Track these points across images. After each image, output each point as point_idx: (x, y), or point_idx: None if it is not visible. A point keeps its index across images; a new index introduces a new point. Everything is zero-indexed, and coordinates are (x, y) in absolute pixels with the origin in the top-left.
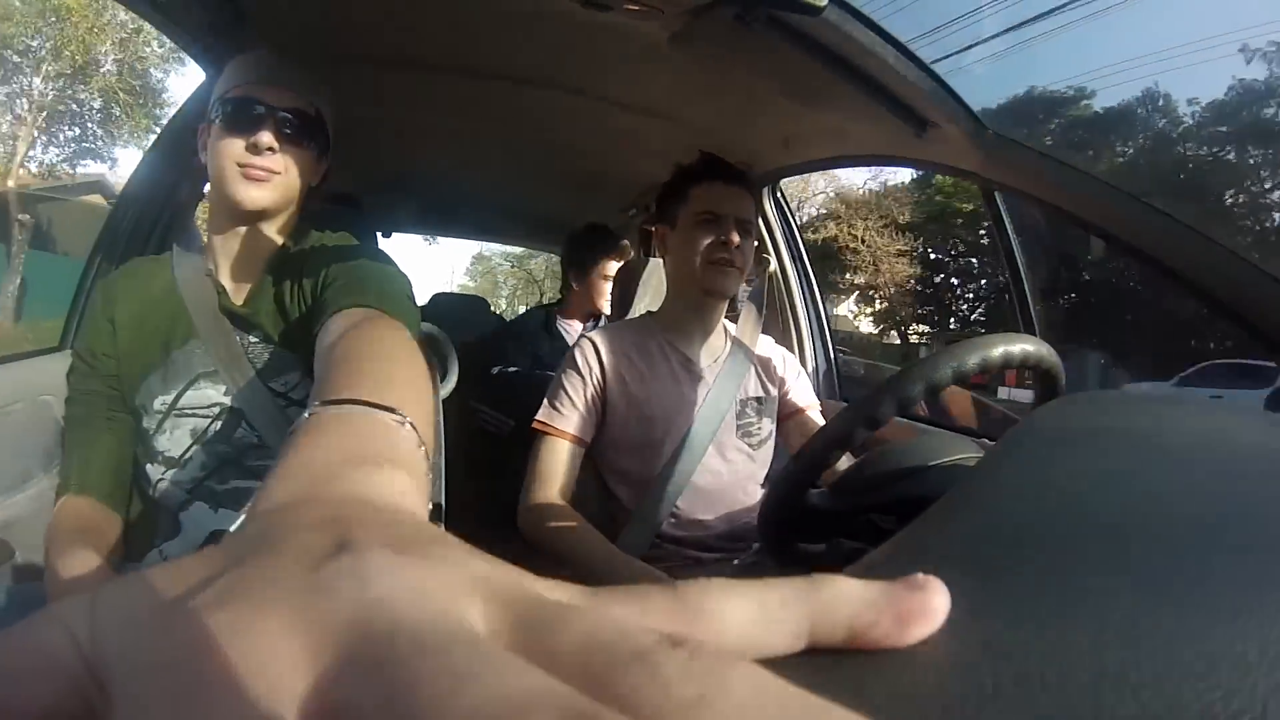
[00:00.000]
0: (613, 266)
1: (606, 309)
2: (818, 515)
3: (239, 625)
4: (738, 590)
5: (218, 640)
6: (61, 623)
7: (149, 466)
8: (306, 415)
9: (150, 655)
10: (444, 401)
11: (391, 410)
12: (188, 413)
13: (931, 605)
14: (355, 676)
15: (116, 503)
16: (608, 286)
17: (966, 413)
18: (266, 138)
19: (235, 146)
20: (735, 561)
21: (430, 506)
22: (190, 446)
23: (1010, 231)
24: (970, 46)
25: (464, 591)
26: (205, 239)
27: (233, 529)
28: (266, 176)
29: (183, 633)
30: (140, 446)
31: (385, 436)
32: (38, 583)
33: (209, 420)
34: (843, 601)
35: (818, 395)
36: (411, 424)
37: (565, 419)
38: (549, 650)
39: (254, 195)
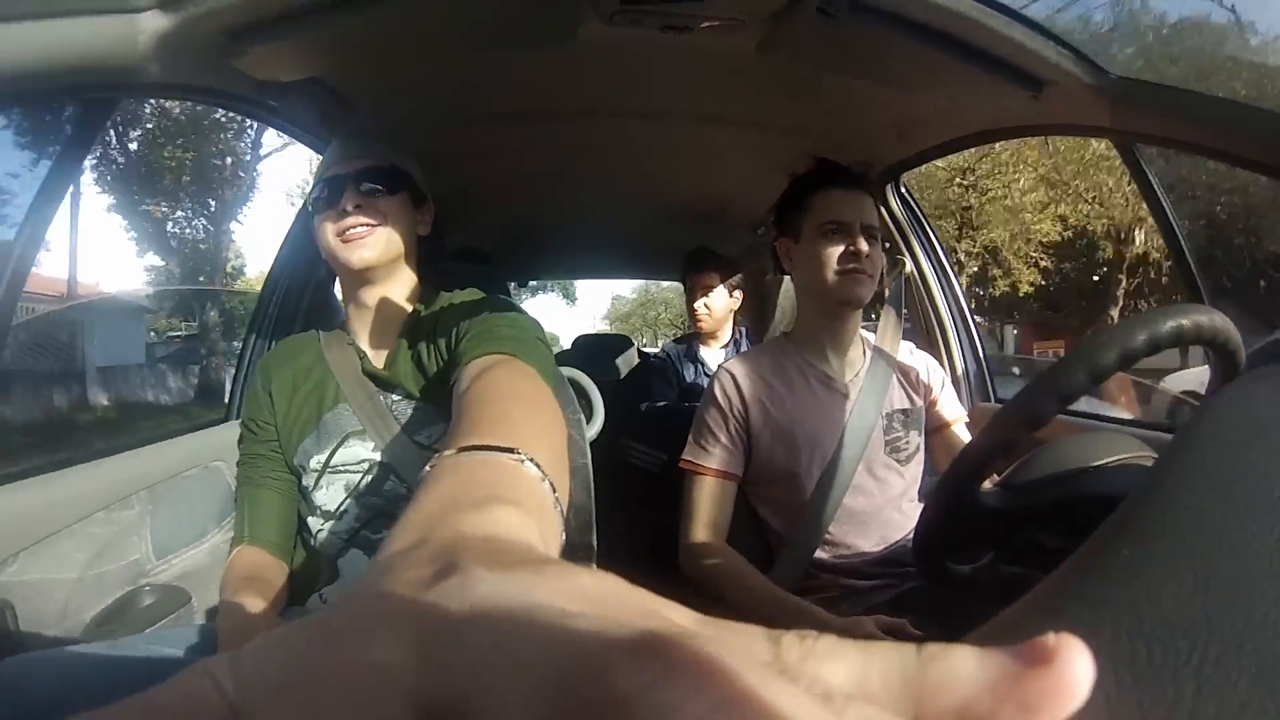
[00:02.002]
0: (713, 287)
1: (709, 328)
2: (983, 520)
3: (355, 638)
4: (841, 654)
5: (334, 651)
6: (210, 674)
7: (310, 519)
8: (428, 468)
9: (280, 676)
10: (595, 441)
11: (510, 450)
12: (341, 469)
13: (1066, 681)
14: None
15: (283, 552)
16: (701, 307)
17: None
18: (349, 201)
19: (329, 222)
20: (890, 594)
21: (562, 538)
22: (344, 500)
23: (1159, 189)
24: None
25: (567, 600)
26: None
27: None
28: (364, 233)
29: (306, 650)
30: (302, 502)
31: (500, 476)
32: (215, 623)
33: (360, 475)
34: (954, 682)
35: (970, 398)
36: (533, 460)
37: (710, 455)
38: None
39: (359, 255)
